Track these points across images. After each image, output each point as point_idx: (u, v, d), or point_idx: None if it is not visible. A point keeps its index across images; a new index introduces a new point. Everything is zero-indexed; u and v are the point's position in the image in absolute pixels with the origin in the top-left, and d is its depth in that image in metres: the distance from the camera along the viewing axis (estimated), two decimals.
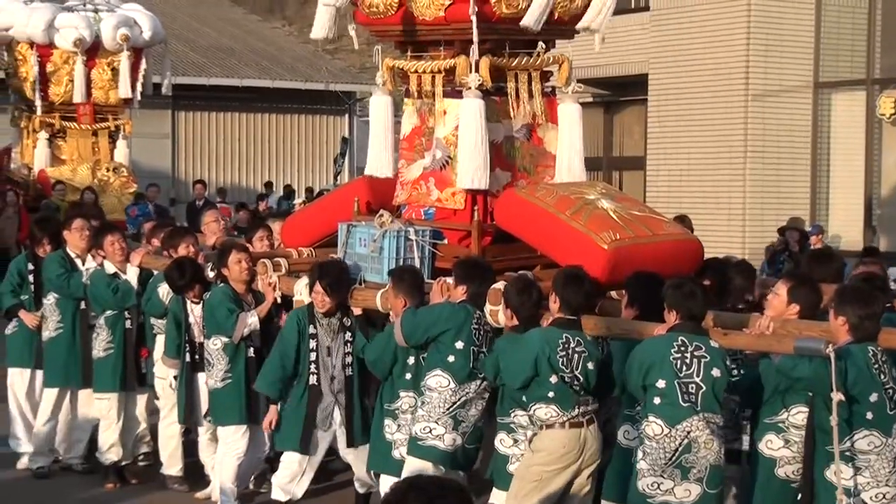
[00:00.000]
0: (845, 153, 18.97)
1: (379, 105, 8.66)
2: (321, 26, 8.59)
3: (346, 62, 33.69)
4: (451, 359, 7.27)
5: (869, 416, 6.15)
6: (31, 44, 16.08)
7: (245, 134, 29.71)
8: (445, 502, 3.22)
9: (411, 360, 7.51)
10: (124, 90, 16.00)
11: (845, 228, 18.82)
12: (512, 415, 7.06)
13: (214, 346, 8.36)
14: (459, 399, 7.27)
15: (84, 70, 15.90)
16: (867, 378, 6.13)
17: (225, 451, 8.42)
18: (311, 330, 7.92)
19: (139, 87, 16.60)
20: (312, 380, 7.90)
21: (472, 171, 8.08)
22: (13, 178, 17.05)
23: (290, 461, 7.96)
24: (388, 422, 7.60)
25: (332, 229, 8.77)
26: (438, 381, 7.28)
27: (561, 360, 6.72)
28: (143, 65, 16.68)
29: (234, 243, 8.87)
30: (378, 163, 8.60)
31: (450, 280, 7.60)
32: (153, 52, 17.08)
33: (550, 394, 6.74)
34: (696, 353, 6.43)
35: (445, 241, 8.27)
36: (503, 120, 8.39)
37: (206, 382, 8.52)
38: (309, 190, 26.66)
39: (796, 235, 15.32)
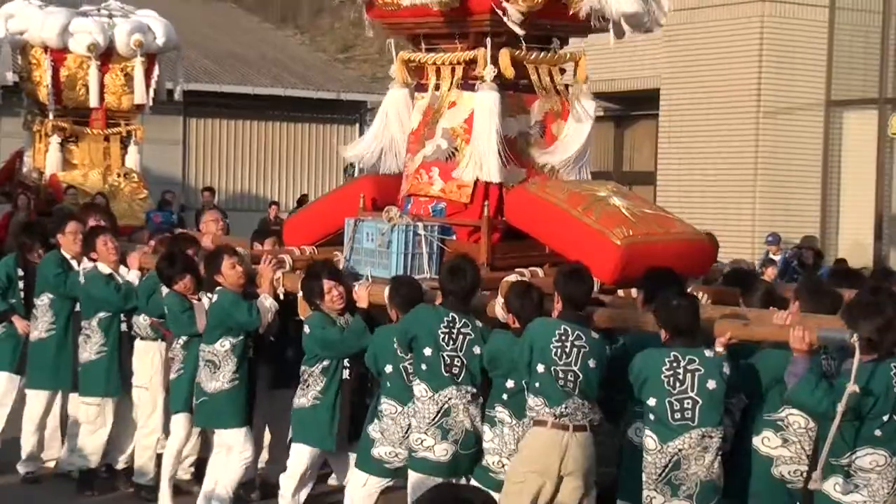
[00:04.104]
0: (856, 171, 18.96)
1: (397, 98, 8.60)
2: None
3: (358, 72, 33.72)
4: (423, 367, 7.20)
5: (877, 433, 6.04)
6: (46, 48, 16.08)
7: (256, 141, 29.72)
8: None
9: (389, 369, 7.46)
10: (140, 96, 16.01)
11: (855, 246, 18.78)
12: (496, 408, 7.06)
13: (223, 347, 8.22)
14: (441, 407, 7.17)
15: (98, 75, 15.91)
16: (884, 398, 6.00)
17: (232, 456, 8.29)
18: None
19: (151, 93, 16.59)
20: (345, 374, 7.81)
21: (482, 162, 7.99)
22: (24, 182, 17.06)
23: (300, 463, 7.86)
24: (375, 420, 7.56)
25: (334, 228, 8.69)
26: (419, 390, 7.23)
27: (555, 350, 6.68)
28: (156, 71, 16.69)
29: (223, 248, 8.69)
30: (391, 156, 8.68)
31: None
32: (165, 58, 17.08)
33: (537, 384, 6.71)
34: (689, 368, 6.38)
35: (454, 237, 8.19)
36: (517, 115, 8.31)
37: (204, 387, 8.28)
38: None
39: (811, 254, 15.40)
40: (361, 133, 30.18)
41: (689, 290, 7.44)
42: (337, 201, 9.31)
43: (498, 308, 7.29)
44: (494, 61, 8.05)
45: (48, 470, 9.84)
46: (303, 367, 7.88)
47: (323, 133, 30.43)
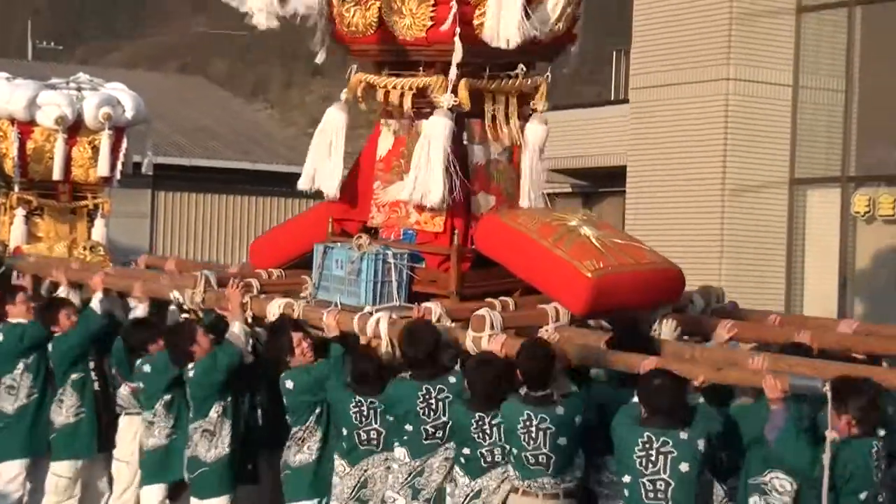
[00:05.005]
0: (820, 249, 19.07)
1: (334, 119, 8.43)
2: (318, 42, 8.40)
3: None
4: (405, 437, 7.24)
5: None
6: (13, 120, 16.06)
7: (225, 215, 29.72)
8: None
9: (345, 432, 7.47)
10: (103, 168, 15.97)
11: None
12: (455, 468, 7.11)
13: (216, 413, 8.17)
14: (418, 468, 7.19)
15: (65, 148, 15.89)
16: (863, 475, 6.01)
17: None
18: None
19: (119, 167, 16.59)
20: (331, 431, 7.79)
21: (422, 185, 7.90)
22: None
23: None
24: (336, 479, 7.56)
25: (301, 251, 8.66)
26: (400, 453, 7.26)
27: (522, 436, 6.70)
28: (125, 144, 16.69)
29: (190, 322, 8.67)
30: (325, 177, 8.45)
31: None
32: (134, 131, 17.08)
33: (512, 459, 6.81)
34: (661, 450, 6.33)
35: (424, 265, 8.15)
36: (484, 143, 8.27)
37: (203, 458, 8.21)
38: None
39: None
40: None
41: (661, 317, 7.56)
42: (303, 224, 9.28)
43: (469, 342, 7.27)
44: (455, 90, 7.97)
45: None
46: (294, 428, 7.79)
47: (292, 207, 30.42)
